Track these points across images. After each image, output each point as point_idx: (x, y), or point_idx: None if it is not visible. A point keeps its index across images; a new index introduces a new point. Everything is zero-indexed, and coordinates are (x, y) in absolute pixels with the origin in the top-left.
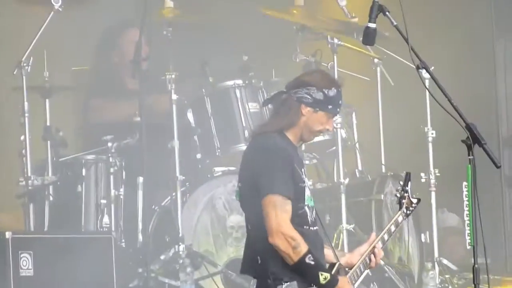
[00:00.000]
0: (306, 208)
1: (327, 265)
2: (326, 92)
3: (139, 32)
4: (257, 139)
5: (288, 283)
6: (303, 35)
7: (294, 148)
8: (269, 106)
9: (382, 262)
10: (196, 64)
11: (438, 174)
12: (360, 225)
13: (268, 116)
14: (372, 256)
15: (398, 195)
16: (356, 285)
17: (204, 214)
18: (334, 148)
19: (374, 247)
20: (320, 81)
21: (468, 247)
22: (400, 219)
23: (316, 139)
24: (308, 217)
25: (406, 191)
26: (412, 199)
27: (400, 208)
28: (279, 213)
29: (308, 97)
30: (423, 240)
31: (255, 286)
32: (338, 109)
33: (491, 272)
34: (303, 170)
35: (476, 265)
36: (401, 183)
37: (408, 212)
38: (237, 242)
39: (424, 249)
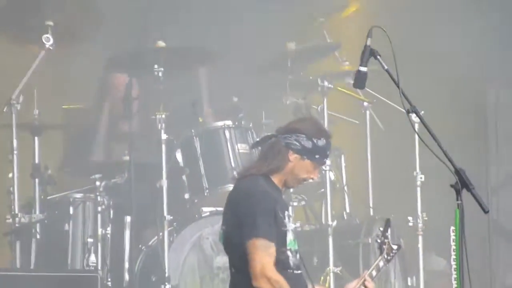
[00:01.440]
0: (288, 252)
1: None
2: (315, 141)
3: (129, 72)
4: (241, 181)
5: None
6: (293, 78)
7: (278, 192)
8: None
9: None
10: (186, 104)
11: (426, 218)
12: (347, 268)
13: (256, 158)
14: None
15: (379, 240)
16: None
17: (191, 254)
18: (323, 190)
19: (364, 279)
20: (311, 129)
21: None
22: (381, 264)
23: None
24: (290, 260)
25: (387, 237)
26: (392, 245)
27: (381, 253)
28: (263, 256)
29: (297, 144)
30: (409, 283)
31: None
32: (325, 160)
33: None
34: (286, 213)
35: None
36: (381, 229)
37: (388, 257)
38: (224, 284)
39: None
